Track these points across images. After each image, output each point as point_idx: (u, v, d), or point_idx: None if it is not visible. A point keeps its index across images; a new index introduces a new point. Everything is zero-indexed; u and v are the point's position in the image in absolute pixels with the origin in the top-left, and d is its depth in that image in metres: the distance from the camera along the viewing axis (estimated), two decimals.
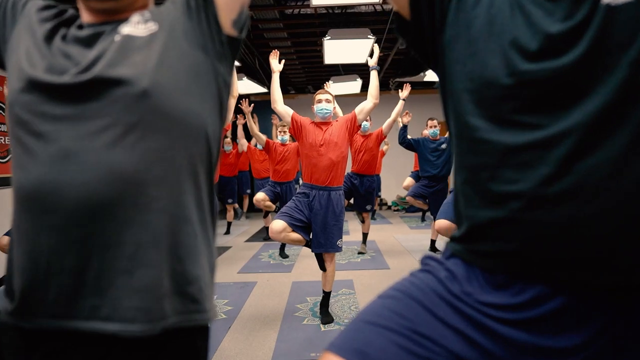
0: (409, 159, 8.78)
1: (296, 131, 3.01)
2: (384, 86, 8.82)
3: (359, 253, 5.04)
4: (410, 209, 8.63)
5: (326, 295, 3.07)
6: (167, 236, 0.70)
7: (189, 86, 0.74)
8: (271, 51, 3.07)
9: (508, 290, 0.66)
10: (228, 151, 6.63)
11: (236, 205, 7.89)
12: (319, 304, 3.16)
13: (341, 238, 2.97)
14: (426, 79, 7.15)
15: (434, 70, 0.83)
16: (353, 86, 7.01)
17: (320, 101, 2.99)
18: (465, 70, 0.70)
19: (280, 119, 3.88)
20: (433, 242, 5.06)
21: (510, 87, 0.63)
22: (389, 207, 9.17)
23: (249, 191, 7.58)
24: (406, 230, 6.63)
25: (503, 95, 0.64)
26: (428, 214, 7.81)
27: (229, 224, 6.75)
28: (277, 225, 2.79)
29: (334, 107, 3.05)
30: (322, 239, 2.92)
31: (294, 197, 3.00)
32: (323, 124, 2.99)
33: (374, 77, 3.08)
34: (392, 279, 4.14)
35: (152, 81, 0.68)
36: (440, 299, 0.71)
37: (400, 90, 4.77)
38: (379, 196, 8.97)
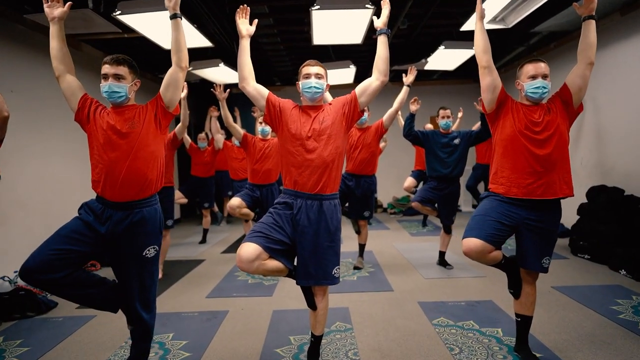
0: (408, 155, 8.01)
1: (274, 118, 2.20)
2: None
3: (355, 268, 4.24)
4: (408, 212, 7.86)
5: (316, 341, 2.27)
6: None
7: None
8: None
9: None
10: (203, 148, 5.78)
11: (215, 209, 7.06)
12: (305, 348, 2.36)
13: (338, 265, 2.16)
14: (427, 66, 6.38)
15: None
16: (345, 74, 6.20)
17: (308, 76, 2.18)
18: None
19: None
20: (442, 254, 4.28)
21: None
22: (385, 210, 8.40)
23: (230, 193, 6.74)
24: (406, 238, 5.86)
25: None
26: (430, 218, 7.05)
27: (205, 231, 5.90)
28: (248, 251, 1.98)
29: (327, 86, 2.24)
30: (311, 268, 2.11)
31: (271, 209, 2.18)
32: (312, 108, 2.19)
33: (382, 45, 2.20)
34: (398, 306, 3.20)
35: None
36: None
37: (404, 75, 3.98)
38: (375, 197, 8.18)
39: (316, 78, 2.17)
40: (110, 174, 2.05)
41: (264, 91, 2.21)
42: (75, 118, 2.15)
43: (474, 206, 8.28)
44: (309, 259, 2.10)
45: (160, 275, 4.13)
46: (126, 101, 2.12)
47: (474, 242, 2.10)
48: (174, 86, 2.13)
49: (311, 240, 2.10)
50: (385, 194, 8.40)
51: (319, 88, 2.16)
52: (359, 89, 2.18)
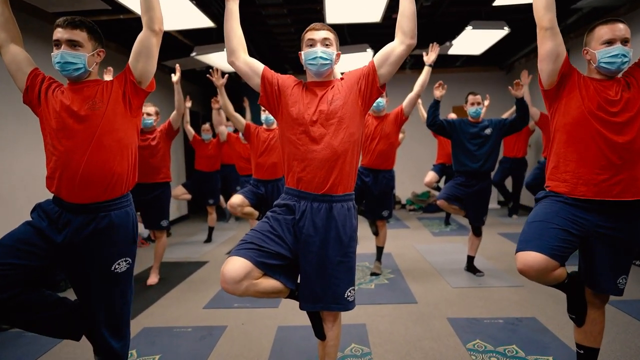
0: (427, 148, 7.49)
1: (271, 99, 1.75)
2: None
3: (373, 274, 3.77)
4: (429, 208, 7.35)
5: None
6: None
7: None
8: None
9: None
10: (207, 141, 5.37)
11: (223, 205, 6.66)
12: None
13: (353, 286, 1.71)
14: (452, 51, 5.84)
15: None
16: (362, 59, 5.70)
17: (312, 43, 1.72)
18: None
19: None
20: (471, 259, 3.79)
21: None
22: (404, 206, 7.89)
23: (238, 188, 6.33)
24: (428, 238, 5.36)
25: None
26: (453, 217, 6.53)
27: (211, 229, 5.51)
28: (233, 269, 1.54)
29: (337, 56, 1.77)
30: (318, 288, 1.66)
31: (268, 213, 1.74)
32: (318, 85, 1.73)
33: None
34: (424, 322, 2.60)
35: None
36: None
37: (424, 54, 3.49)
38: (393, 194, 7.68)
39: (323, 45, 1.71)
40: (66, 168, 1.63)
41: (258, 66, 1.75)
42: (24, 99, 1.73)
43: (500, 202, 7.72)
44: (315, 277, 1.65)
45: (155, 280, 3.74)
46: (85, 75, 1.69)
47: (534, 258, 1.62)
48: (145, 55, 1.69)
49: (318, 253, 1.64)
50: (403, 189, 7.89)
51: (326, 59, 1.69)
52: (378, 57, 1.71)
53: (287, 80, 1.76)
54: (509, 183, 7.00)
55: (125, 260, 1.73)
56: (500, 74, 7.72)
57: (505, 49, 6.55)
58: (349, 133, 1.67)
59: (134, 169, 1.78)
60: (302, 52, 1.74)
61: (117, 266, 1.71)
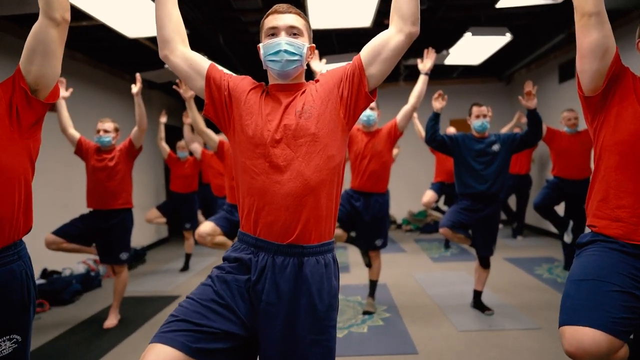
0: (423, 164, 7.04)
1: (218, 107, 1.31)
2: (392, 75, 7.11)
3: (365, 313, 3.27)
4: (427, 229, 6.87)
5: None
6: None
7: None
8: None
9: None
10: (183, 159, 4.90)
11: None
12: None
13: None
14: (448, 60, 5.45)
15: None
16: None
17: (274, 31, 1.28)
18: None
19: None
20: (478, 295, 3.30)
21: None
22: (399, 227, 7.41)
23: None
24: (427, 264, 4.87)
25: None
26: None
27: (188, 257, 4.98)
28: None
29: (310, 50, 1.31)
30: None
31: (213, 271, 1.25)
32: (284, 89, 1.28)
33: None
34: None
35: None
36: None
37: (419, 61, 3.08)
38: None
39: (289, 35, 1.25)
40: None
41: (202, 63, 1.29)
42: None
43: (503, 222, 7.25)
44: None
45: (114, 322, 3.21)
46: None
47: (591, 338, 1.14)
48: (42, 53, 1.23)
49: (283, 330, 1.16)
50: (399, 208, 7.42)
51: (294, 53, 1.24)
52: (367, 52, 1.26)
53: (241, 82, 1.29)
54: (512, 201, 6.56)
55: (11, 339, 1.23)
56: (500, 85, 7.34)
57: (505, 59, 6.18)
58: (326, 157, 1.21)
59: (25, 210, 1.30)
60: (261, 45, 1.28)
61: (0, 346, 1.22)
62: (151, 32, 3.94)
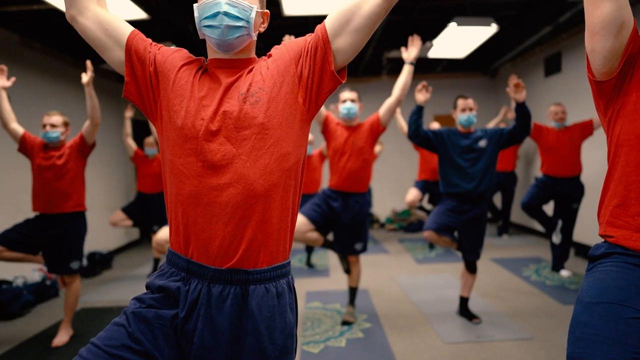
0: (409, 161, 6.83)
1: (142, 87, 1.03)
2: (374, 68, 6.87)
3: (344, 323, 3.01)
4: (411, 228, 6.66)
5: None
6: None
7: None
8: None
9: None
10: (151, 156, 4.56)
11: None
12: None
13: None
14: (432, 53, 5.21)
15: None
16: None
17: None
18: None
19: None
20: (465, 301, 3.07)
21: None
22: (382, 226, 7.19)
23: None
24: (411, 266, 4.64)
25: None
26: None
27: (156, 262, 4.64)
28: None
29: (263, 16, 1.04)
30: None
31: (130, 305, 0.97)
32: (225, 65, 1.01)
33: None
34: None
35: None
36: None
37: (403, 50, 2.84)
38: (371, 214, 6.94)
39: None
40: None
41: (122, 29, 1.01)
42: None
43: (489, 220, 7.09)
44: None
45: (65, 339, 2.88)
46: None
47: None
48: None
49: None
50: (382, 206, 7.20)
51: (237, 17, 0.98)
52: (333, 19, 0.99)
53: (171, 56, 1.01)
54: (497, 199, 6.40)
55: None
56: (485, 79, 7.16)
57: (490, 53, 5.99)
58: (279, 154, 0.94)
59: None
60: (196, 5, 0.99)
61: None
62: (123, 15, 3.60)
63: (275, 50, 1.03)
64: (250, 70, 0.98)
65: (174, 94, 0.95)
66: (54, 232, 2.81)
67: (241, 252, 0.90)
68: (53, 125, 2.79)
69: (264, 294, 0.92)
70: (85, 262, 4.74)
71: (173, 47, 1.04)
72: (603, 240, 1.15)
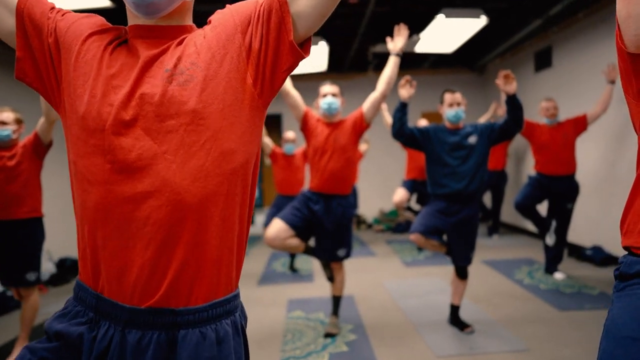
0: (398, 159, 6.63)
1: (40, 62, 0.78)
2: (359, 64, 6.65)
3: (327, 335, 2.79)
4: (399, 228, 6.47)
5: None
6: None
7: None
8: None
9: None
10: None
11: None
12: None
13: None
14: (419, 48, 5.03)
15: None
16: (316, 57, 4.78)
17: None
18: None
19: None
20: (455, 310, 2.87)
21: None
22: (370, 227, 6.99)
23: None
24: (399, 270, 4.45)
25: None
26: None
27: None
28: None
29: None
30: None
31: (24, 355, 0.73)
32: (147, 33, 0.77)
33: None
34: None
35: None
36: None
37: (389, 40, 2.64)
38: (356, 215, 6.74)
39: None
40: None
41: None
42: None
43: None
44: None
45: None
46: None
47: None
48: None
49: None
50: (369, 206, 7.00)
51: None
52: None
53: (77, 23, 0.78)
54: (487, 198, 6.25)
55: None
56: (473, 76, 7.00)
57: (478, 48, 5.83)
58: (218, 153, 0.71)
59: None
60: None
61: None
62: (74, 4, 3.33)
63: (217, 14, 0.80)
64: (182, 42, 0.76)
65: (77, 73, 0.72)
66: (6, 241, 2.54)
67: (166, 285, 0.67)
68: (4, 123, 2.52)
69: (199, 341, 0.69)
70: (54, 269, 4.47)
71: (83, 14, 0.80)
72: (628, 252, 0.94)
